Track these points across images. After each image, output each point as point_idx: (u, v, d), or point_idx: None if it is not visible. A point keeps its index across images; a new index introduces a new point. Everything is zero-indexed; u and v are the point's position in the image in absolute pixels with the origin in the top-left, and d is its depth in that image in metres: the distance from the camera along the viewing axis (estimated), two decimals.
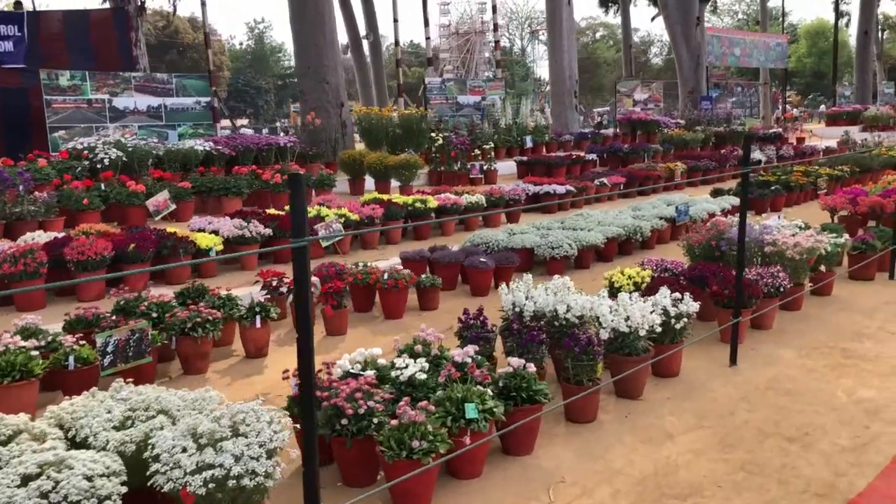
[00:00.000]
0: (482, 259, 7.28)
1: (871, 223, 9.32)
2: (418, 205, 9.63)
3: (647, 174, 13.66)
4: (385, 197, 10.15)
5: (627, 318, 4.60)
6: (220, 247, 7.60)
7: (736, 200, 10.58)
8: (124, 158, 10.45)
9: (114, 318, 5.22)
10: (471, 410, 3.58)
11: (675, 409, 4.52)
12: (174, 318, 5.20)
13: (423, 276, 6.88)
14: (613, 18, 54.15)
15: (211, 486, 2.59)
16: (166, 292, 6.02)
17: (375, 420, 3.51)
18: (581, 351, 4.27)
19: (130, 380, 3.56)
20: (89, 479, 2.57)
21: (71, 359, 4.58)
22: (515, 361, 4.03)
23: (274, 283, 6.28)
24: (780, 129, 22.29)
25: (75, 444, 3.02)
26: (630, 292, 5.23)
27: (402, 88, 24.84)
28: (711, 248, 6.81)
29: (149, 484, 2.72)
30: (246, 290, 6.62)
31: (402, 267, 7.16)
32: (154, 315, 5.36)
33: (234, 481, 2.62)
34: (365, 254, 8.56)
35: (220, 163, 11.73)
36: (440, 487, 3.59)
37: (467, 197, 10.28)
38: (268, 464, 2.73)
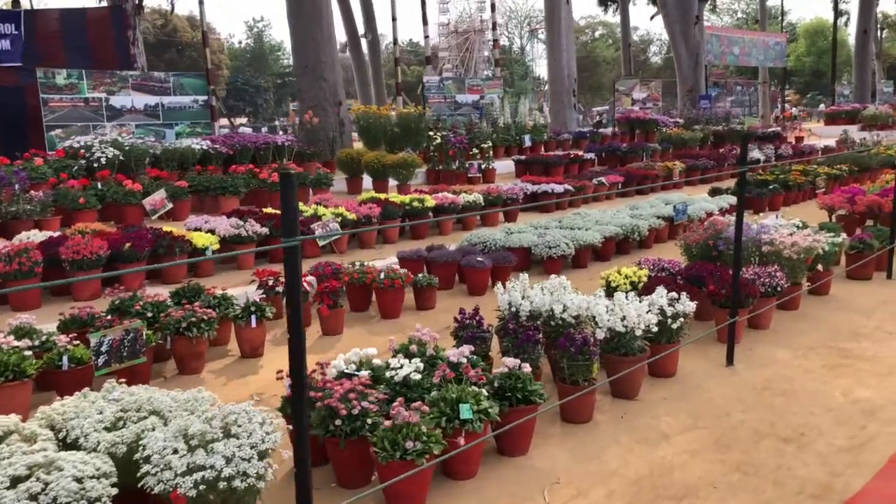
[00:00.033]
0: (479, 258, 7.26)
1: (869, 222, 9.31)
2: (416, 204, 9.61)
3: (646, 173, 13.65)
4: (382, 196, 10.13)
5: (623, 318, 4.59)
6: (217, 246, 7.58)
7: (734, 199, 10.56)
8: (121, 157, 10.43)
9: (109, 317, 5.21)
10: (465, 411, 3.56)
11: (671, 410, 4.50)
12: (169, 318, 5.18)
13: (420, 275, 6.86)
14: (612, 17, 54.15)
15: (202, 487, 2.57)
16: (162, 292, 6.00)
17: (369, 421, 3.49)
18: (577, 351, 4.25)
19: (123, 380, 3.54)
20: (79, 480, 2.55)
21: (65, 359, 4.57)
22: (511, 361, 4.01)
23: (270, 283, 6.26)
24: (779, 128, 22.28)
25: (66, 445, 3.00)
26: (627, 292, 5.21)
27: (401, 87, 24.80)
28: (709, 248, 6.80)
29: (139, 486, 2.70)
30: (242, 289, 6.60)
31: (398, 266, 7.14)
32: (149, 315, 5.35)
33: (225, 483, 2.60)
34: (362, 253, 8.53)
35: (217, 162, 11.71)
36: (435, 488, 3.57)
37: (465, 196, 10.26)
38: (259, 465, 2.71)
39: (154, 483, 2.64)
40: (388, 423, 3.41)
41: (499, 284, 5.32)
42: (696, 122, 21.14)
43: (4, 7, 21.15)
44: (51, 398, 4.37)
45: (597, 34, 70.21)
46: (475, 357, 4.23)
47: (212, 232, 7.89)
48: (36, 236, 7.25)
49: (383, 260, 7.92)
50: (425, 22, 26.01)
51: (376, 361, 4.15)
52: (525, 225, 8.93)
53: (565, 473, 3.76)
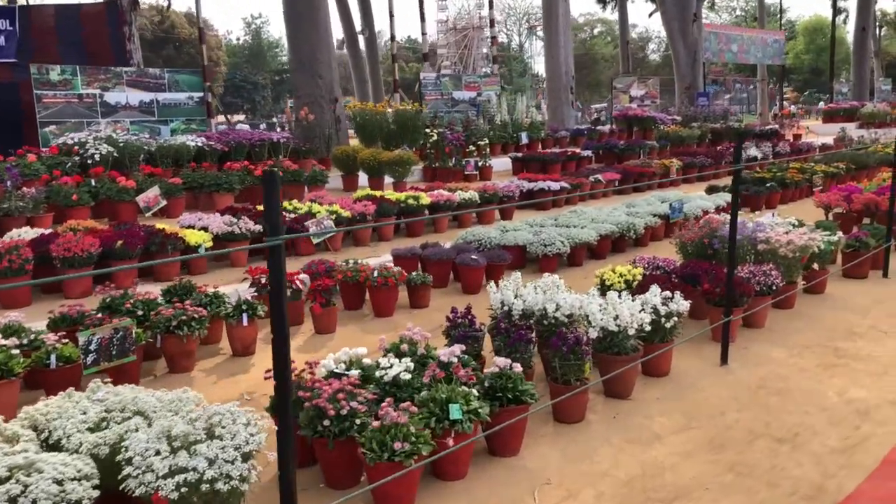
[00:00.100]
0: (473, 256, 7.22)
1: (865, 220, 9.28)
2: (411, 201, 9.57)
3: (642, 171, 13.61)
4: (378, 193, 10.09)
5: (616, 317, 4.55)
6: (210, 243, 7.54)
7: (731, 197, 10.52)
8: (115, 154, 10.38)
9: (99, 315, 5.16)
10: (455, 411, 3.52)
11: (665, 410, 4.47)
12: (159, 317, 5.14)
13: (414, 273, 6.82)
14: (611, 14, 54.09)
15: (184, 490, 2.53)
16: (154, 290, 5.96)
17: (358, 421, 3.46)
18: (569, 350, 4.22)
19: (109, 380, 3.50)
20: (59, 482, 2.51)
21: (53, 357, 4.52)
22: (501, 361, 3.97)
23: (262, 281, 6.21)
24: (777, 126, 22.24)
25: (49, 446, 2.96)
26: (621, 290, 5.17)
27: (399, 84, 24.74)
28: (704, 246, 6.76)
29: (120, 488, 2.66)
30: (235, 287, 6.56)
31: (393, 264, 7.09)
32: (139, 313, 5.31)
33: (208, 485, 2.56)
34: (357, 251, 8.49)
35: (212, 159, 11.67)
36: (424, 489, 3.53)
37: (460, 194, 10.22)
38: (243, 467, 2.68)
39: (135, 485, 2.60)
40: (376, 423, 3.37)
41: (491, 283, 5.28)
42: (693, 119, 21.10)
43: None
44: (39, 397, 4.34)
45: (595, 31, 70.11)
46: (466, 356, 4.20)
47: (205, 229, 7.84)
48: (27, 233, 7.21)
49: (378, 258, 7.88)
50: (423, 19, 25.97)
51: (367, 361, 4.11)
52: (521, 223, 8.89)
53: (556, 474, 3.73)
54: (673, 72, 25.60)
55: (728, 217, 6.69)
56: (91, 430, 2.96)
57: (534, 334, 4.80)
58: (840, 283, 7.30)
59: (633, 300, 4.76)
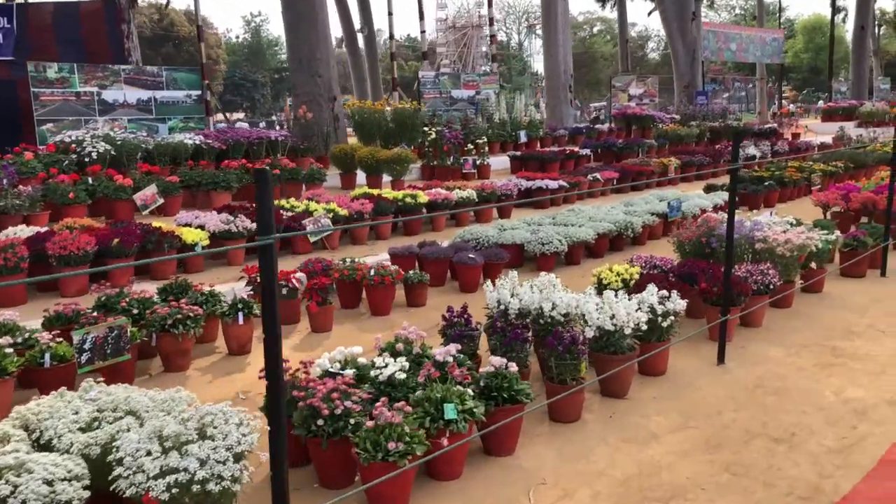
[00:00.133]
0: (471, 255, 7.20)
1: (863, 219, 9.26)
2: (408, 200, 9.55)
3: (641, 169, 13.59)
4: (375, 192, 10.06)
5: (613, 317, 4.53)
6: (207, 242, 7.51)
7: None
8: (113, 152, 10.35)
9: (94, 314, 5.14)
10: (450, 411, 3.51)
11: (661, 409, 4.45)
12: (154, 315, 5.12)
13: (411, 272, 6.81)
14: (610, 13, 54.05)
15: (174, 491, 2.52)
16: (150, 288, 5.94)
17: (352, 421, 3.44)
18: (564, 350, 4.20)
19: (101, 379, 3.48)
20: (49, 483, 2.49)
21: (47, 356, 4.50)
22: (497, 361, 3.95)
23: (258, 279, 6.19)
24: (776, 125, 22.22)
25: (41, 446, 2.94)
26: (618, 289, 5.16)
27: (398, 82, 24.71)
28: (701, 245, 6.75)
29: (111, 489, 2.64)
30: (231, 285, 6.54)
31: (390, 263, 7.07)
32: (135, 312, 5.29)
33: (199, 486, 2.54)
34: (354, 249, 8.48)
35: (209, 157, 11.64)
36: (418, 489, 3.52)
37: (458, 192, 10.20)
38: (235, 468, 2.66)
39: (126, 486, 2.58)
40: (370, 423, 3.35)
41: (488, 282, 5.27)
42: (692, 118, 21.08)
43: None
44: (33, 396, 4.32)
45: (595, 30, 70.05)
46: (462, 356, 4.18)
47: (202, 228, 7.82)
48: (23, 232, 7.18)
49: (375, 256, 7.86)
50: (422, 17, 25.95)
51: (362, 360, 4.09)
52: (518, 221, 8.87)
53: (552, 474, 3.71)
54: (672, 70, 25.57)
55: (725, 216, 6.69)
56: (82, 430, 2.94)
57: (530, 333, 4.79)
58: (838, 282, 7.29)
59: (629, 299, 4.74)
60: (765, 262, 6.26)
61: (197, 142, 11.53)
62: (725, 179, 13.23)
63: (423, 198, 9.69)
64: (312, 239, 8.21)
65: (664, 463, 3.80)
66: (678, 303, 4.91)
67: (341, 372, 3.89)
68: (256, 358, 5.43)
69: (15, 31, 14.04)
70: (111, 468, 2.71)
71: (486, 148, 15.19)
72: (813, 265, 6.81)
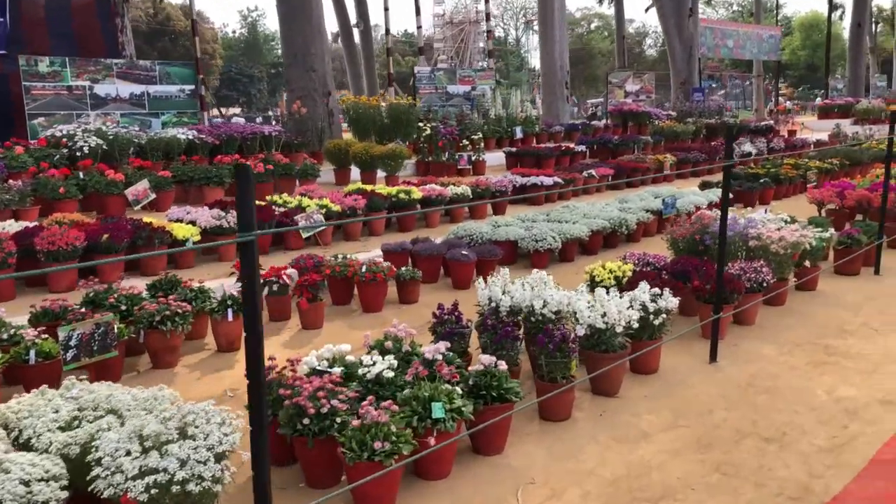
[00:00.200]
0: (464, 252, 7.16)
1: (858, 217, 9.24)
2: (402, 196, 9.50)
3: (636, 166, 13.55)
4: (369, 187, 10.01)
5: (604, 315, 4.49)
6: (198, 237, 7.46)
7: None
8: (104, 147, 10.27)
9: (82, 310, 5.09)
10: (437, 410, 3.47)
11: (652, 408, 4.42)
12: (142, 312, 5.07)
13: (404, 268, 6.76)
14: (608, 9, 53.96)
15: (154, 491, 2.47)
16: (140, 284, 5.89)
17: (338, 420, 3.39)
18: (555, 348, 4.16)
19: (84, 377, 3.43)
20: (26, 483, 2.44)
21: (32, 353, 4.45)
22: (486, 359, 3.91)
23: None
24: (772, 122, 22.20)
25: (19, 445, 2.89)
26: (611, 287, 5.11)
27: (394, 78, 24.63)
28: (695, 242, 6.71)
29: (89, 489, 2.60)
30: (221, 281, 6.49)
31: (383, 259, 7.03)
32: (123, 308, 5.24)
33: (179, 486, 2.50)
34: (347, 245, 8.43)
35: (203, 152, 11.56)
36: (405, 489, 3.48)
37: (453, 188, 10.15)
38: (216, 468, 2.61)
39: (104, 486, 2.53)
40: (356, 422, 3.31)
41: (480, 279, 5.22)
42: (688, 114, 21.05)
43: None
44: (19, 394, 4.27)
45: (592, 26, 69.97)
46: (451, 354, 4.14)
47: (193, 223, 7.77)
48: (12, 227, 7.12)
49: (368, 252, 7.82)
50: (418, 12, 25.88)
51: (350, 358, 4.05)
52: (513, 218, 8.82)
53: (541, 473, 3.67)
54: (669, 67, 25.54)
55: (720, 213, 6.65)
56: (62, 428, 2.89)
57: (521, 331, 4.76)
58: (832, 280, 7.26)
59: (621, 297, 4.70)
60: (759, 259, 6.23)
61: (190, 137, 11.45)
62: (721, 176, 13.20)
63: (417, 194, 9.64)
64: (305, 235, 8.16)
65: (654, 462, 3.77)
66: (670, 301, 4.88)
67: (329, 370, 3.85)
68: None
69: (7, 24, 13.92)
70: (90, 468, 2.66)
71: (482, 144, 15.15)
72: (807, 263, 6.78)
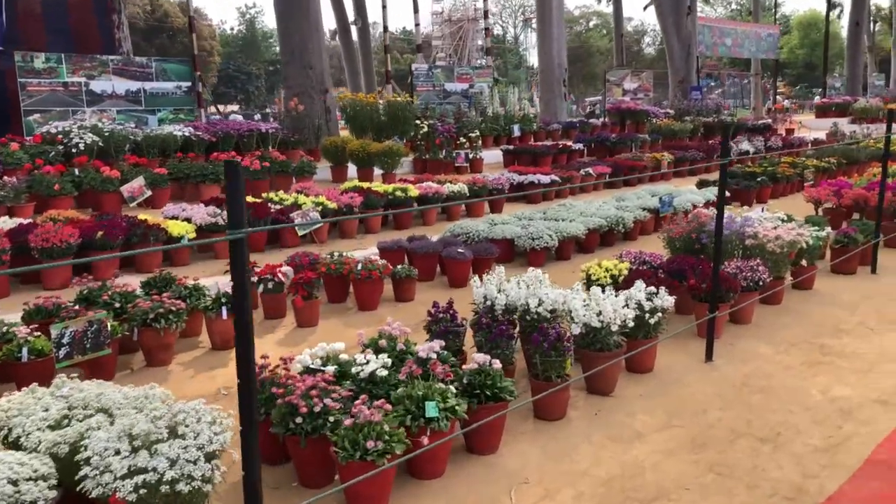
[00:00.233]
0: (460, 250, 7.14)
1: (855, 216, 9.23)
2: (399, 193, 9.47)
3: (633, 164, 13.54)
4: (366, 185, 9.99)
5: (599, 313, 4.48)
6: (193, 234, 7.44)
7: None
8: (100, 143, 10.24)
9: (76, 307, 5.06)
10: (431, 409, 3.45)
11: (647, 407, 4.41)
12: (136, 309, 5.05)
13: (400, 266, 6.73)
14: (606, 7, 53.87)
15: (142, 491, 2.45)
16: (134, 281, 5.86)
17: (331, 419, 3.38)
18: (549, 346, 4.15)
19: (74, 375, 3.41)
20: (14, 483, 2.42)
21: (24, 350, 4.43)
22: (480, 357, 3.90)
23: None
24: (770, 121, 22.20)
25: (8, 444, 2.87)
26: (607, 285, 5.11)
27: (392, 75, 24.59)
28: (692, 241, 6.69)
29: (78, 489, 2.58)
30: (216, 279, 6.46)
31: (379, 257, 7.01)
32: (117, 305, 5.21)
33: (168, 486, 2.48)
34: (343, 243, 8.41)
35: (199, 149, 11.53)
36: (399, 488, 3.46)
37: (449, 186, 10.13)
38: (206, 467, 2.59)
39: (93, 486, 2.51)
40: (349, 421, 3.29)
41: (475, 277, 5.21)
42: (686, 113, 21.03)
43: None
44: (11, 391, 4.24)
45: (591, 24, 69.92)
46: (445, 352, 4.12)
47: (188, 220, 7.74)
48: (6, 223, 7.09)
49: (364, 250, 7.80)
50: (416, 9, 25.81)
51: (344, 356, 4.03)
52: (510, 216, 8.81)
53: (535, 472, 3.66)
54: (667, 65, 25.51)
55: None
56: (52, 427, 2.87)
57: (516, 330, 4.74)
58: (828, 279, 7.25)
59: (616, 295, 4.69)
60: (755, 258, 6.21)
61: (186, 134, 11.42)
62: (719, 175, 13.18)
63: (414, 191, 9.62)
64: (301, 232, 8.13)
65: (649, 463, 3.76)
66: (666, 299, 4.86)
67: (322, 368, 3.83)
68: None
69: (3, 21, 13.87)
70: (80, 467, 2.64)
71: (479, 142, 15.11)
72: (803, 262, 6.77)
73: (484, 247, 7.40)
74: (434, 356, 3.94)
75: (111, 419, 2.93)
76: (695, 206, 9.39)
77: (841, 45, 48.69)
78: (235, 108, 53.14)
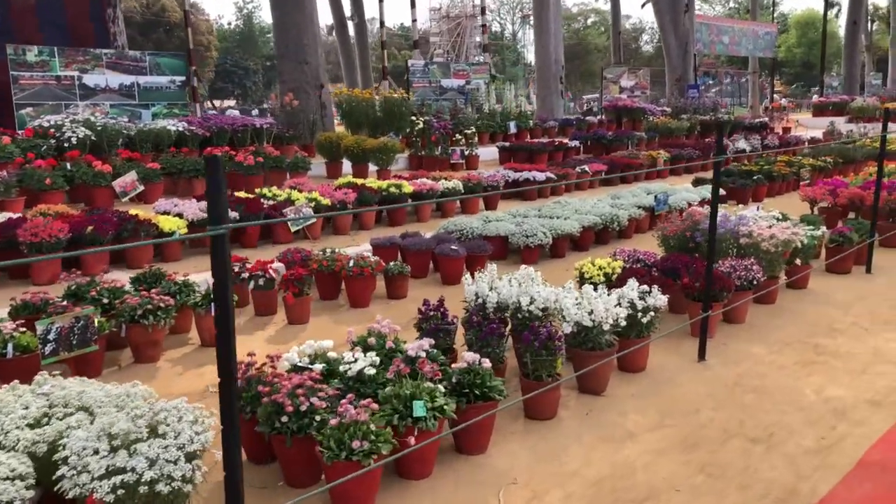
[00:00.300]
0: (453, 247, 7.09)
1: (851, 215, 9.20)
2: (393, 190, 9.42)
3: (629, 162, 13.49)
4: (360, 181, 9.93)
5: (591, 312, 4.44)
6: (185, 230, 7.37)
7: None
8: (93, 138, 10.16)
9: (64, 303, 5.00)
10: (419, 408, 3.40)
11: (639, 406, 4.37)
12: (124, 305, 4.99)
13: (392, 263, 6.69)
14: (604, 5, 53.82)
15: (120, 492, 2.40)
16: (124, 277, 5.80)
17: (318, 418, 3.33)
18: (540, 345, 4.10)
19: (57, 373, 3.35)
20: None
21: (9, 346, 4.37)
22: (470, 356, 3.85)
23: (235, 269, 6.07)
24: (767, 119, 22.17)
25: None
26: (599, 284, 5.06)
27: (389, 71, 24.49)
28: (686, 239, 6.66)
29: (55, 489, 2.53)
30: (206, 275, 6.40)
31: (372, 253, 6.96)
32: (105, 301, 5.16)
33: (147, 487, 2.43)
34: (336, 239, 8.35)
35: (193, 144, 11.45)
36: (386, 488, 3.42)
37: (444, 183, 10.07)
38: (186, 467, 2.54)
39: (70, 486, 2.46)
40: (335, 421, 3.24)
41: (467, 275, 5.16)
42: (683, 111, 20.98)
43: None
44: None
45: (589, 21, 69.82)
46: (435, 351, 4.07)
47: (180, 216, 7.68)
48: None
49: (357, 247, 7.75)
50: (413, 5, 25.70)
51: (332, 354, 3.98)
52: (504, 213, 8.76)
53: (524, 473, 3.62)
54: (664, 63, 25.46)
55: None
56: (31, 426, 2.82)
57: (508, 328, 4.69)
58: (823, 278, 7.22)
59: (609, 294, 4.64)
60: (749, 257, 6.18)
61: (180, 128, 11.34)
62: None
63: (408, 188, 9.56)
64: (293, 228, 8.08)
65: (640, 463, 3.72)
66: (659, 298, 4.82)
67: (309, 367, 3.78)
68: None
69: None
70: (58, 467, 2.59)
71: (475, 138, 15.04)
72: (798, 261, 6.73)
73: (477, 244, 7.36)
74: (423, 354, 3.90)
75: (92, 418, 2.88)
76: (690, 205, 9.36)
77: (838, 44, 48.68)
78: (232, 103, 52.97)
